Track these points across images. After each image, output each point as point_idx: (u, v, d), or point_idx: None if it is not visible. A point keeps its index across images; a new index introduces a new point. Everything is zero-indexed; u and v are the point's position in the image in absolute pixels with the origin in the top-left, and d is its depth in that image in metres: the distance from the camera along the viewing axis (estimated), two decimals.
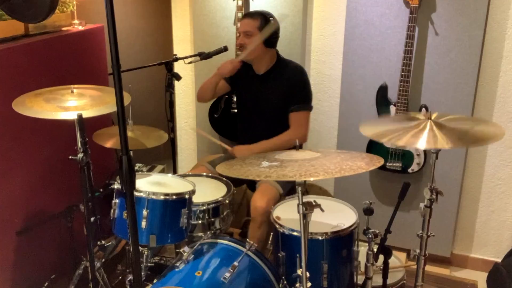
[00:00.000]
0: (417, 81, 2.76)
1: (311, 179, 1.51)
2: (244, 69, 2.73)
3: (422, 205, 2.04)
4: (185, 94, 3.49)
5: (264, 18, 2.57)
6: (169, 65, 2.75)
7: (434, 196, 2.00)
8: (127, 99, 2.17)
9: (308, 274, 1.68)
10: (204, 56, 2.79)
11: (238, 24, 2.74)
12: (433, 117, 1.90)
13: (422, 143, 1.77)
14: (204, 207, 2.24)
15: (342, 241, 2.06)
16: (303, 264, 1.65)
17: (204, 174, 2.60)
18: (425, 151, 2.74)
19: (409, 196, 2.26)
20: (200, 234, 2.23)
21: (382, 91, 2.81)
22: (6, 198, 2.25)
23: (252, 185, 2.73)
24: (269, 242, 2.44)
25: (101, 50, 2.91)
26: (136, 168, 2.76)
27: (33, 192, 2.43)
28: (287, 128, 2.68)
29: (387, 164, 2.81)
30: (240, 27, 2.63)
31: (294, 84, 2.62)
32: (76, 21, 2.78)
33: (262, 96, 2.68)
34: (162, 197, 1.99)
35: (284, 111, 2.65)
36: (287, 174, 1.53)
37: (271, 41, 2.59)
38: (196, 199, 2.15)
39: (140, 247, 1.96)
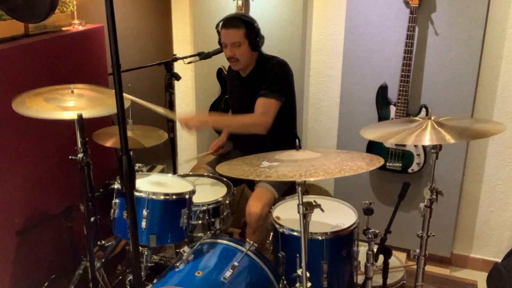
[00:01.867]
0: (417, 81, 2.76)
1: (311, 179, 1.51)
2: (231, 74, 2.73)
3: (422, 205, 2.04)
4: (185, 94, 3.48)
5: (247, 24, 2.50)
6: (168, 65, 2.74)
7: (434, 196, 2.00)
8: (127, 102, 2.17)
9: (308, 274, 1.68)
10: (203, 56, 2.79)
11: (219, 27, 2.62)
12: (432, 118, 1.92)
13: (427, 140, 1.80)
14: (204, 207, 2.24)
15: (342, 241, 2.06)
16: (303, 264, 1.65)
17: (205, 174, 2.60)
18: (425, 151, 2.74)
19: (409, 196, 2.26)
20: (200, 234, 2.23)
21: (382, 91, 2.81)
22: (6, 198, 2.25)
23: (251, 184, 2.73)
24: (268, 241, 2.44)
25: (101, 50, 2.91)
26: (136, 168, 2.76)
27: (33, 192, 2.43)
28: (279, 125, 2.63)
29: (387, 164, 2.81)
30: (226, 38, 2.53)
31: (269, 74, 2.55)
32: (76, 21, 2.78)
33: (248, 97, 2.64)
34: (162, 197, 1.99)
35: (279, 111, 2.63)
36: (287, 174, 1.53)
37: (257, 44, 2.54)
38: (196, 199, 2.15)
39: (140, 247, 1.96)
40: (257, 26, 2.54)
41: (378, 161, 1.65)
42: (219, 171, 1.76)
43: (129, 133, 2.45)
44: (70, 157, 1.99)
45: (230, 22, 2.53)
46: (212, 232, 2.26)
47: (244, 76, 2.66)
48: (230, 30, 2.51)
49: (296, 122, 2.76)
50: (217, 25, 2.63)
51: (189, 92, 3.47)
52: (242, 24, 2.49)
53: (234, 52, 2.52)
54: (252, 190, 2.66)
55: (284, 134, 2.64)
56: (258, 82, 2.58)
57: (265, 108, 2.48)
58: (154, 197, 1.98)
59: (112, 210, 2.06)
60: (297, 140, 1.89)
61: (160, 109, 2.42)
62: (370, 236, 2.02)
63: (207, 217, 2.25)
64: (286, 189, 2.62)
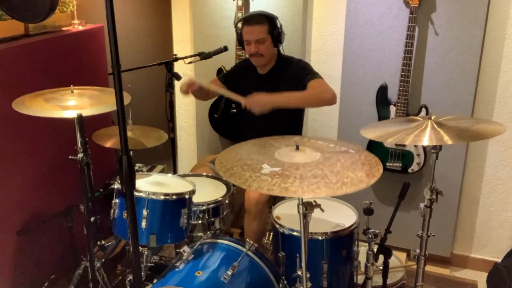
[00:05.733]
0: (417, 81, 2.76)
1: (312, 198, 1.52)
2: (245, 70, 2.72)
3: (422, 205, 2.04)
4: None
5: (270, 20, 2.54)
6: (169, 65, 2.74)
7: (434, 196, 2.00)
8: (126, 98, 2.17)
9: (308, 274, 1.68)
10: (204, 56, 2.79)
11: (239, 25, 2.68)
12: (432, 118, 1.93)
13: (426, 140, 1.80)
14: (204, 207, 2.24)
15: (342, 241, 2.06)
16: (303, 264, 1.65)
17: (204, 174, 2.60)
18: (425, 151, 2.74)
19: (409, 196, 2.26)
20: (200, 234, 2.23)
21: (382, 91, 2.81)
22: (6, 198, 2.25)
23: None
24: (268, 241, 2.44)
25: (101, 50, 2.91)
26: (136, 168, 2.76)
27: (33, 192, 2.43)
28: (294, 125, 2.68)
29: (387, 164, 2.81)
30: (249, 35, 2.54)
31: (299, 73, 2.59)
32: (76, 21, 2.78)
33: (270, 92, 2.66)
34: (162, 197, 1.99)
35: (290, 109, 2.64)
36: (290, 188, 1.52)
37: (278, 39, 2.57)
38: (196, 199, 2.15)
39: (140, 247, 1.96)
40: (279, 22, 2.57)
41: (377, 170, 1.65)
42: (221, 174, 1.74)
43: (129, 134, 2.45)
44: (70, 157, 1.99)
45: (253, 19, 2.55)
46: (212, 232, 2.26)
47: (264, 73, 2.67)
48: (255, 27, 2.53)
49: (303, 121, 2.77)
50: (236, 23, 2.65)
51: None
52: (265, 20, 2.53)
53: (259, 48, 2.54)
54: None
55: (290, 132, 2.64)
56: (281, 80, 2.61)
57: (322, 86, 2.49)
58: (154, 197, 1.98)
59: (112, 210, 2.06)
60: (297, 140, 1.88)
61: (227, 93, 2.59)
62: (370, 236, 2.02)
63: (207, 217, 2.25)
64: None
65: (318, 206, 1.67)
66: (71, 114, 1.94)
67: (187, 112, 3.52)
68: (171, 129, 2.81)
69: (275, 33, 2.55)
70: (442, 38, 2.67)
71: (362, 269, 2.16)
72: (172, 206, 2.02)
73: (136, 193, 1.95)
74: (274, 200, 2.52)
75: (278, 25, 2.57)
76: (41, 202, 2.48)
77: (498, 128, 1.87)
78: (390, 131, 1.92)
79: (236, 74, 2.85)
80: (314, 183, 1.54)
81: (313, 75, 2.56)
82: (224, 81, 2.82)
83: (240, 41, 2.67)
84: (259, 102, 2.41)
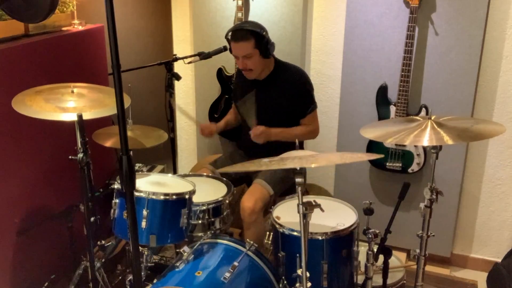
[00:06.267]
0: (417, 81, 2.76)
1: (313, 165, 1.53)
2: (242, 77, 2.72)
3: (422, 205, 2.04)
4: (185, 94, 3.49)
5: (255, 34, 2.49)
6: (169, 65, 2.75)
7: (434, 196, 2.00)
8: (127, 101, 2.17)
9: (308, 274, 1.68)
10: (204, 56, 2.79)
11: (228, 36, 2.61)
12: (432, 118, 1.93)
13: (425, 140, 1.80)
14: (204, 207, 2.24)
15: (342, 241, 2.06)
16: (303, 264, 1.65)
17: (205, 174, 2.60)
18: (425, 151, 2.74)
19: (409, 196, 2.26)
20: (200, 234, 2.23)
21: (382, 91, 2.81)
22: (6, 198, 2.25)
23: (250, 184, 2.73)
24: (268, 241, 2.43)
25: (101, 50, 2.91)
26: (136, 168, 2.76)
27: (33, 192, 2.43)
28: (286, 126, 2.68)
29: (387, 164, 2.81)
30: (236, 51, 2.53)
31: (300, 90, 2.61)
32: (76, 21, 2.78)
33: (264, 101, 2.66)
34: (162, 197, 1.99)
35: (288, 114, 2.64)
36: (289, 164, 1.54)
37: (267, 51, 2.53)
38: (196, 199, 2.15)
39: (140, 247, 1.96)
40: (266, 34, 2.52)
41: (377, 154, 1.66)
42: (221, 172, 1.76)
43: (129, 133, 2.45)
44: (70, 157, 1.99)
45: (238, 34, 2.51)
46: (212, 232, 2.26)
47: (261, 79, 2.66)
48: (240, 43, 2.49)
49: None
50: (227, 34, 2.62)
51: (189, 92, 3.47)
52: (251, 35, 2.48)
53: (246, 63, 2.53)
54: None
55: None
56: (280, 87, 2.62)
57: (310, 121, 2.69)
58: (154, 197, 1.98)
59: (112, 210, 2.07)
60: (297, 141, 1.89)
61: None
62: (370, 236, 2.02)
63: (207, 217, 2.25)
64: (283, 188, 2.62)
65: (318, 206, 1.67)
66: (70, 117, 1.93)
67: (187, 112, 3.52)
68: (171, 129, 2.81)
69: (262, 46, 2.50)
70: (442, 38, 2.67)
71: (362, 269, 2.16)
72: (172, 206, 2.02)
73: (136, 193, 1.95)
74: (274, 201, 2.52)
75: (266, 38, 2.51)
76: (41, 202, 2.48)
77: (498, 128, 1.87)
78: (390, 131, 1.92)
79: (237, 83, 2.86)
80: (314, 159, 1.56)
81: (313, 106, 2.66)
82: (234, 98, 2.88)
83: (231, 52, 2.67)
84: (261, 136, 2.56)
